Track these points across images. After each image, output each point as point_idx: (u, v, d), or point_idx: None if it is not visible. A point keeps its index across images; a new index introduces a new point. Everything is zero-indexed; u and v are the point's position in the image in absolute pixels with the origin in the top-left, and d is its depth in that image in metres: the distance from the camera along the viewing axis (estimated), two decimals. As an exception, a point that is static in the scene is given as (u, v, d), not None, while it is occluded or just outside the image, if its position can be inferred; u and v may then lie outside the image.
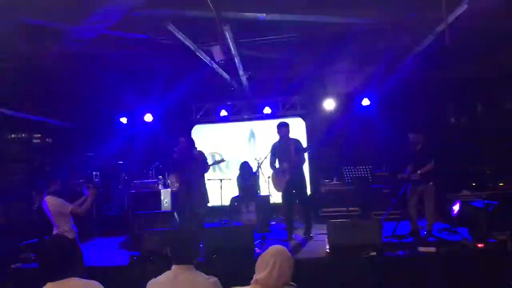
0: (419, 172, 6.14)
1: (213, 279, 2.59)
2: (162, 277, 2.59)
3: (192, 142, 6.92)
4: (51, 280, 2.37)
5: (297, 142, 6.78)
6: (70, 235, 4.53)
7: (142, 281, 3.74)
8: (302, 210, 6.88)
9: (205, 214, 7.03)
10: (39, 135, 9.84)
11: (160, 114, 9.97)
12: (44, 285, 2.37)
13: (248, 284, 2.36)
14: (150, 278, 2.75)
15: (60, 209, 4.63)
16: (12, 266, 5.31)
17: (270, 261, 2.28)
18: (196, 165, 6.64)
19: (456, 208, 6.38)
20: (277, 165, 6.80)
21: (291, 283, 2.33)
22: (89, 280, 2.52)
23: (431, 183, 6.15)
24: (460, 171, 8.11)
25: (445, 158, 6.61)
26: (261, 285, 2.25)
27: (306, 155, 6.91)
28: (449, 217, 6.84)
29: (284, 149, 6.60)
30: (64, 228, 4.64)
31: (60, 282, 2.37)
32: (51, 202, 4.67)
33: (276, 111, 9.99)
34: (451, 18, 5.75)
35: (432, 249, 5.19)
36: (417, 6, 5.87)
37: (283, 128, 6.67)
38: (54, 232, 4.66)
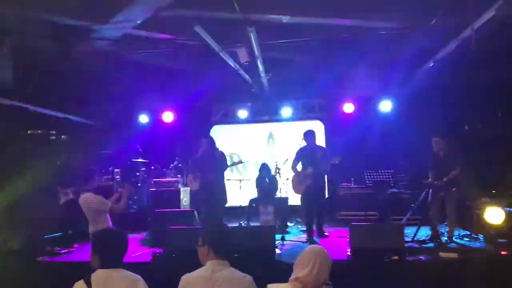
0: (445, 179, 6.08)
1: (249, 277, 2.61)
2: (198, 272, 2.60)
3: (213, 142, 7.05)
4: (103, 268, 2.53)
5: (323, 149, 6.91)
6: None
7: (166, 277, 3.77)
8: (316, 212, 6.91)
9: (223, 214, 7.10)
10: (60, 131, 9.98)
11: (180, 114, 10.05)
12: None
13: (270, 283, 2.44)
14: (174, 275, 2.77)
15: (100, 206, 4.64)
16: (38, 259, 5.43)
17: (311, 260, 2.34)
18: (217, 165, 6.73)
19: None
20: (299, 168, 6.85)
21: (328, 282, 2.37)
22: (134, 274, 2.60)
23: (454, 189, 6.11)
24: (480, 178, 8.01)
25: (465, 165, 6.54)
26: (300, 283, 2.30)
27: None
28: (469, 224, 6.80)
29: (311, 156, 6.70)
30: (102, 225, 4.61)
31: (110, 270, 2.52)
32: (90, 199, 4.66)
33: (295, 114, 9.99)
34: (477, 24, 5.73)
35: (454, 255, 5.16)
36: (441, 11, 5.84)
37: (310, 136, 6.80)
38: (90, 229, 4.67)
